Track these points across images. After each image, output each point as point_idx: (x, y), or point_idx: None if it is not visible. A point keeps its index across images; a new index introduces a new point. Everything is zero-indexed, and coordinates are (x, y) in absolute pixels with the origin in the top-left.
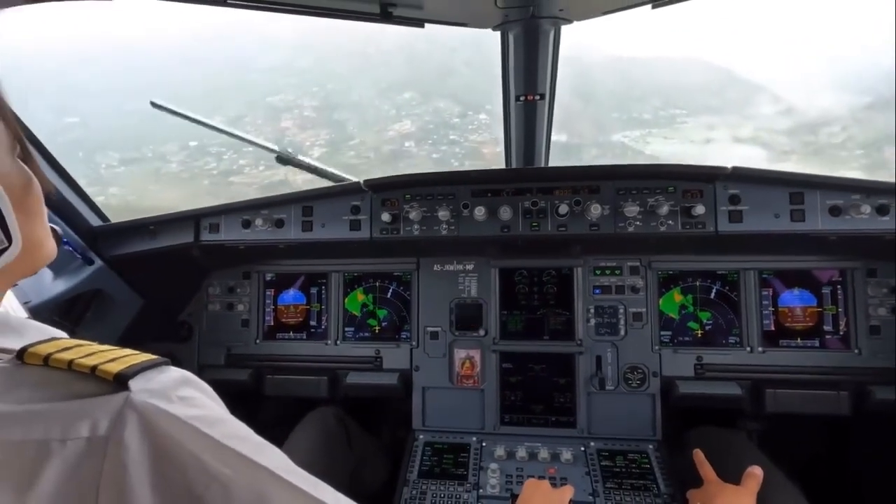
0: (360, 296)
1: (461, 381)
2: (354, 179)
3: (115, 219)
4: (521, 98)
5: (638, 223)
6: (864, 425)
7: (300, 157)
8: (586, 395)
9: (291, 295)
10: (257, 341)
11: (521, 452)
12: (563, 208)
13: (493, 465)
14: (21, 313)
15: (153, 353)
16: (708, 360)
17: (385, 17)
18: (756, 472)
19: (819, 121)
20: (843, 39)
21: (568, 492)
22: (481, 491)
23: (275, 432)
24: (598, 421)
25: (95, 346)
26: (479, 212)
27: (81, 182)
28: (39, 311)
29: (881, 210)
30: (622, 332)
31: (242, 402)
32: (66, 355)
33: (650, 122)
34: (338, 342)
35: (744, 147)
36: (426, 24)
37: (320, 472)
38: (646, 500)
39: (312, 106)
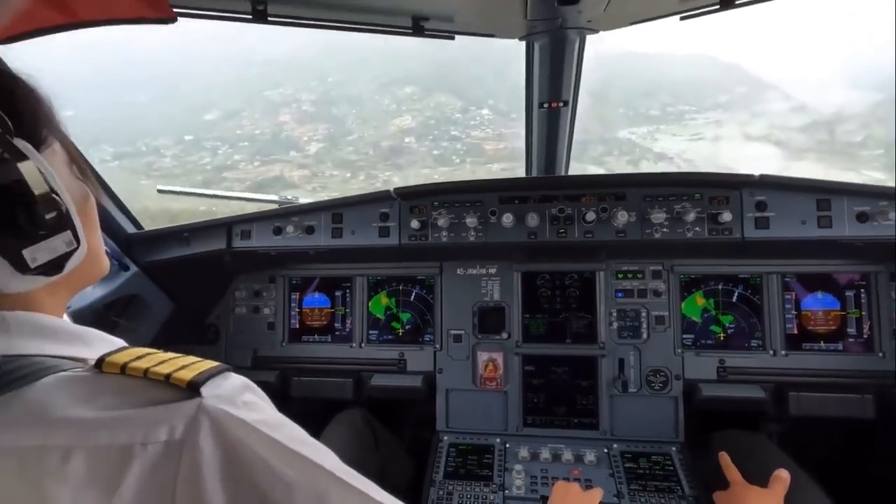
0: (383, 299)
1: (484, 384)
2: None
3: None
4: (545, 105)
5: (665, 230)
6: (886, 429)
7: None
8: (609, 398)
9: (316, 298)
10: (283, 344)
11: (545, 454)
12: (591, 215)
13: (518, 467)
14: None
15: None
16: (730, 363)
17: (417, 31)
18: (783, 476)
19: (834, 118)
20: (854, 36)
21: (598, 494)
22: (507, 492)
23: None
24: (620, 423)
25: (163, 354)
26: (507, 218)
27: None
28: (80, 316)
29: None
30: (644, 336)
31: None
32: (141, 363)
33: (658, 119)
34: (362, 345)
35: (756, 145)
36: (456, 37)
37: None
38: (670, 502)
39: (311, 100)
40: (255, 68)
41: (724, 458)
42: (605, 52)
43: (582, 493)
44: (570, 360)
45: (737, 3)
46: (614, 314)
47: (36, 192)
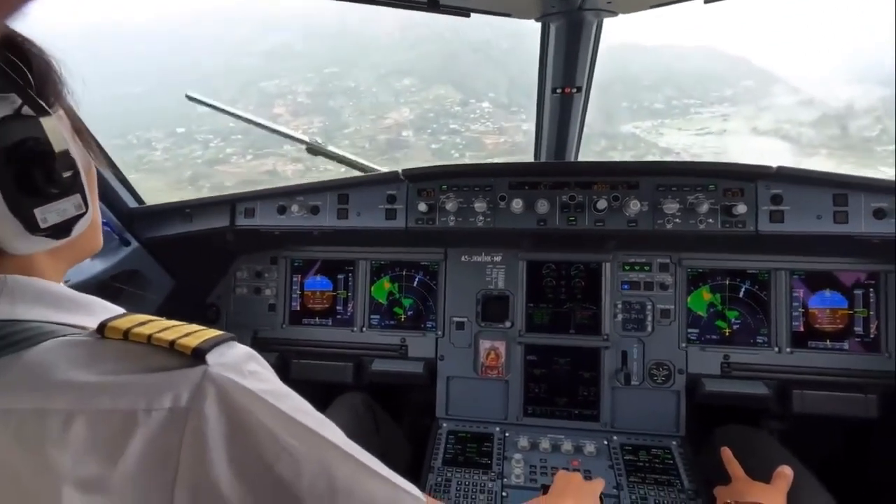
0: (386, 284)
1: (485, 372)
2: (384, 170)
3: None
4: (558, 90)
5: (677, 220)
6: (889, 429)
7: (331, 148)
8: (610, 390)
9: (318, 281)
10: (283, 326)
11: (545, 444)
12: (602, 203)
13: (517, 456)
14: None
15: None
16: (735, 358)
17: (432, 6)
18: (787, 472)
19: (846, 113)
20: (854, 32)
21: (599, 485)
22: (506, 480)
23: None
24: (621, 415)
25: (166, 322)
26: (517, 204)
27: None
28: (80, 289)
29: None
30: (649, 329)
31: None
32: (144, 329)
33: (662, 113)
34: (364, 329)
35: (765, 139)
36: (471, 14)
37: None
38: (669, 495)
39: (307, 92)
40: (253, 59)
41: (727, 453)
42: (607, 44)
43: (583, 482)
44: (572, 351)
45: None
46: (619, 306)
47: (56, 150)
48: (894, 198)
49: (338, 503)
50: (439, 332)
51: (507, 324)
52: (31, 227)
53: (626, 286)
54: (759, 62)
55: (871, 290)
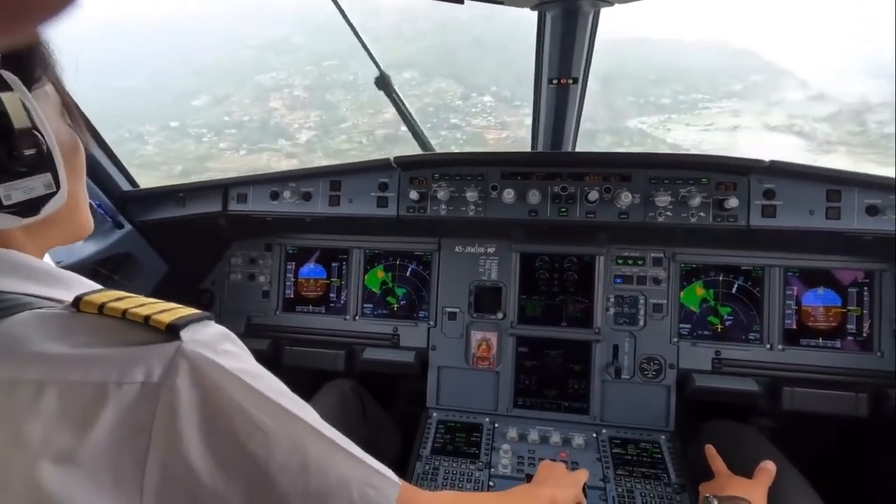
0: (379, 273)
1: (477, 363)
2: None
3: None
4: (555, 81)
5: (668, 213)
6: (879, 428)
7: (396, 93)
8: (601, 383)
9: (312, 269)
10: (277, 313)
11: (533, 435)
12: (594, 195)
13: (505, 446)
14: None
15: None
16: (726, 354)
17: None
18: (769, 467)
19: (863, 108)
20: (869, 23)
21: (583, 475)
22: (493, 470)
23: None
24: (611, 409)
25: (143, 298)
26: (508, 194)
27: None
28: (71, 272)
29: None
30: (641, 323)
31: None
32: (120, 304)
33: (669, 108)
34: (356, 318)
35: (778, 135)
36: (465, 1)
37: None
38: (656, 488)
39: (304, 85)
40: (248, 52)
41: (710, 450)
42: (611, 38)
43: (567, 472)
44: (564, 344)
45: None
46: (612, 300)
47: (16, 126)
48: (892, 195)
49: (310, 482)
50: (431, 322)
51: (500, 315)
52: None
53: (619, 280)
54: (767, 56)
55: (866, 288)
